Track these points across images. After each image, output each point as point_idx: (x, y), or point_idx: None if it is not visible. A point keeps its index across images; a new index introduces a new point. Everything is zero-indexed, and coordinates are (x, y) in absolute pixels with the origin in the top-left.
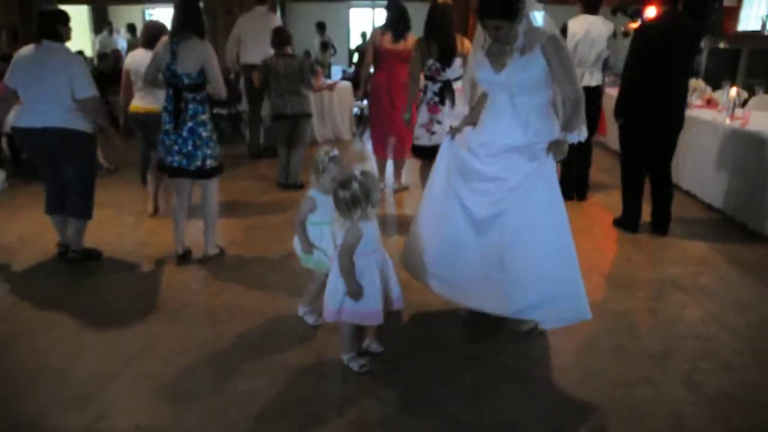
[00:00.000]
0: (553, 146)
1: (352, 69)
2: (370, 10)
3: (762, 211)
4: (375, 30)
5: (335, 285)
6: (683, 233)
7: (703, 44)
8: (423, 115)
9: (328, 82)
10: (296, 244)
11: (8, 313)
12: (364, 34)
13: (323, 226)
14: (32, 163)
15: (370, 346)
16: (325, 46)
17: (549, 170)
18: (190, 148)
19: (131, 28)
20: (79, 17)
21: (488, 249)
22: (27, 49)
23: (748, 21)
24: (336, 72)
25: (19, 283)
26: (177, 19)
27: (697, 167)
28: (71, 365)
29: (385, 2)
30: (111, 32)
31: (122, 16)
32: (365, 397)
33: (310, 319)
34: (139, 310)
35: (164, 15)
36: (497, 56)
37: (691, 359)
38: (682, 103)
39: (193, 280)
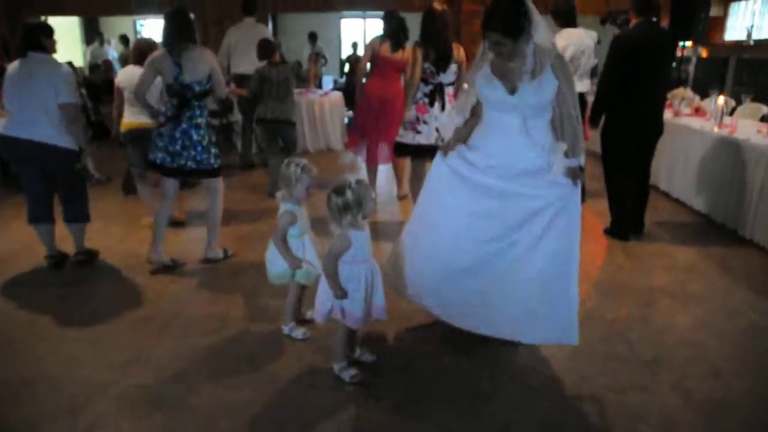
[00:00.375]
0: (572, 174)
1: (343, 79)
2: (361, 20)
3: (750, 217)
4: (375, 38)
5: (326, 288)
6: (673, 240)
7: (690, 53)
8: (410, 113)
9: (320, 92)
10: (271, 262)
11: (0, 323)
12: (355, 45)
13: (304, 237)
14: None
15: (362, 355)
16: (317, 56)
17: (576, 196)
18: (178, 147)
19: (124, 39)
20: (69, 28)
21: (493, 268)
22: (15, 63)
23: (734, 31)
24: (327, 82)
25: (10, 294)
26: (173, 31)
27: (686, 175)
28: (62, 375)
29: (380, 13)
30: (102, 43)
31: (113, 27)
32: (357, 406)
33: (297, 335)
34: (131, 320)
35: (155, 26)
36: (505, 75)
37: (682, 365)
38: (661, 110)
39: (184, 290)
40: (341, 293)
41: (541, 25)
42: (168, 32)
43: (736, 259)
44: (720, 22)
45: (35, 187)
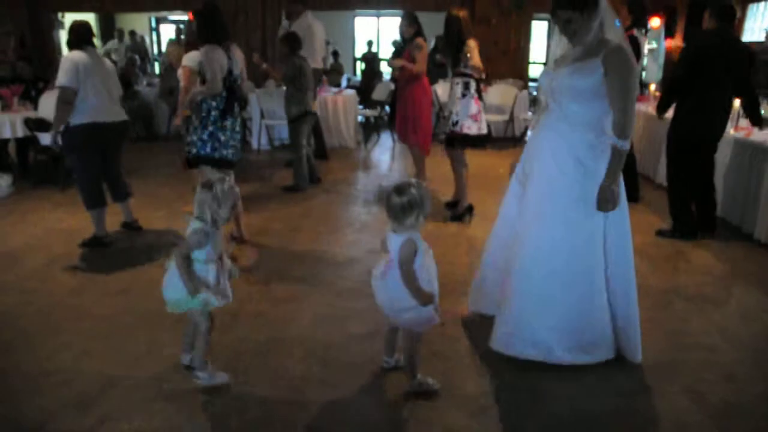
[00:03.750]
0: (601, 198)
1: (358, 77)
2: (375, 19)
3: (766, 221)
4: (422, 40)
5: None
6: (688, 243)
7: None
8: (472, 107)
9: (333, 90)
10: (167, 286)
11: (13, 317)
12: (370, 43)
13: (209, 265)
14: (39, 168)
15: (399, 360)
16: (336, 54)
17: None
18: (238, 141)
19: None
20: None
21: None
22: (82, 55)
23: (752, 33)
24: (341, 80)
25: (24, 288)
26: (221, 26)
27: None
28: (75, 369)
29: (395, 11)
30: (122, 38)
31: (129, 23)
32: (368, 403)
33: (199, 376)
34: (143, 315)
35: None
36: (563, 58)
37: (695, 369)
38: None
39: None
40: (428, 298)
41: (609, 10)
42: (218, 26)
43: (752, 263)
44: (738, 24)
45: (96, 172)
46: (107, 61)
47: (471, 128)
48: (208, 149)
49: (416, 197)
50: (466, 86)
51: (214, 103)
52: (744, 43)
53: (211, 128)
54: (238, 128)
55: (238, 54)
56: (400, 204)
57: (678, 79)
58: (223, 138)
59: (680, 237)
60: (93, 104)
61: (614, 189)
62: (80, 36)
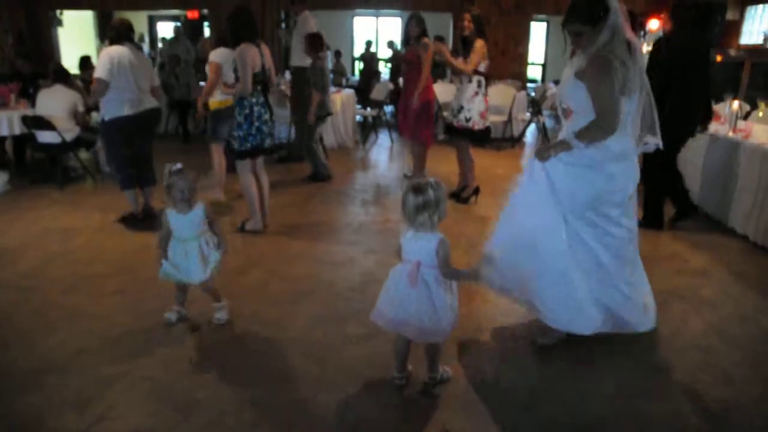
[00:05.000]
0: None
1: (356, 77)
2: (374, 19)
3: (763, 223)
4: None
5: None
6: (685, 245)
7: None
8: (482, 104)
9: (332, 90)
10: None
11: (9, 315)
12: (368, 43)
13: (188, 243)
14: (37, 166)
15: (411, 373)
16: (338, 54)
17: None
18: (273, 129)
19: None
20: (84, 23)
21: None
22: (123, 51)
23: (750, 35)
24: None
25: (20, 285)
26: (253, 26)
27: (700, 179)
28: (71, 367)
29: (393, 11)
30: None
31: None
32: (365, 404)
33: (172, 316)
34: (140, 314)
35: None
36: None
37: (693, 371)
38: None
39: (194, 286)
40: (477, 274)
41: (619, 16)
42: (252, 25)
43: (749, 265)
44: (736, 26)
45: (128, 157)
46: (143, 56)
47: (477, 124)
48: (256, 142)
49: (431, 199)
50: (479, 84)
51: (254, 100)
52: (707, 45)
53: (257, 123)
54: (267, 117)
55: (265, 51)
56: (413, 203)
57: (658, 87)
58: (266, 130)
59: (647, 227)
60: (127, 97)
61: (550, 151)
62: (120, 33)
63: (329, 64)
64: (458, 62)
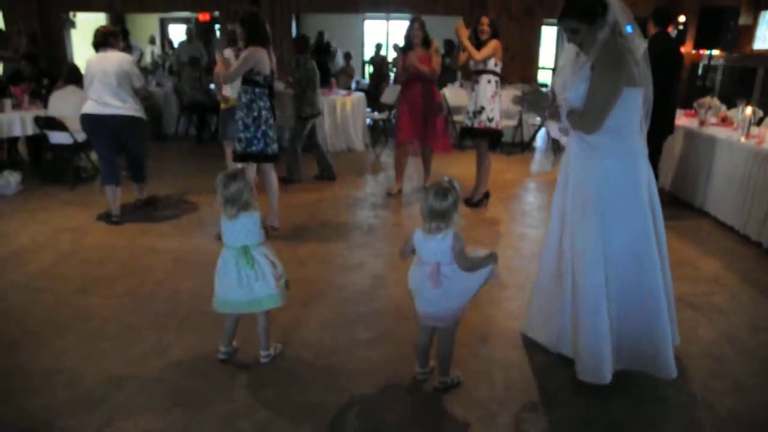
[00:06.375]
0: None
1: (366, 80)
2: (384, 22)
3: None
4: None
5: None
6: (697, 252)
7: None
8: (499, 105)
9: (342, 92)
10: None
11: (21, 316)
12: (378, 46)
13: (237, 254)
14: (49, 167)
15: (434, 368)
16: (348, 56)
17: None
18: (275, 131)
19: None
20: (97, 25)
21: None
22: (93, 58)
23: (764, 40)
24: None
25: (31, 286)
26: (264, 31)
27: (712, 186)
28: (82, 368)
29: (404, 15)
30: (153, 42)
31: (139, 24)
32: (374, 407)
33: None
34: (150, 316)
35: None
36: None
37: (704, 379)
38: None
39: (204, 286)
40: (491, 258)
41: (622, 18)
42: (262, 32)
43: (762, 272)
44: (749, 31)
45: (104, 154)
46: (113, 63)
47: (499, 125)
48: (261, 146)
49: (451, 201)
50: (497, 84)
51: (262, 103)
52: (678, 47)
53: (263, 127)
54: (272, 122)
55: (273, 57)
56: (437, 206)
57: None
58: (271, 134)
59: None
60: (91, 97)
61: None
62: (97, 41)
63: (339, 64)
64: (471, 48)
